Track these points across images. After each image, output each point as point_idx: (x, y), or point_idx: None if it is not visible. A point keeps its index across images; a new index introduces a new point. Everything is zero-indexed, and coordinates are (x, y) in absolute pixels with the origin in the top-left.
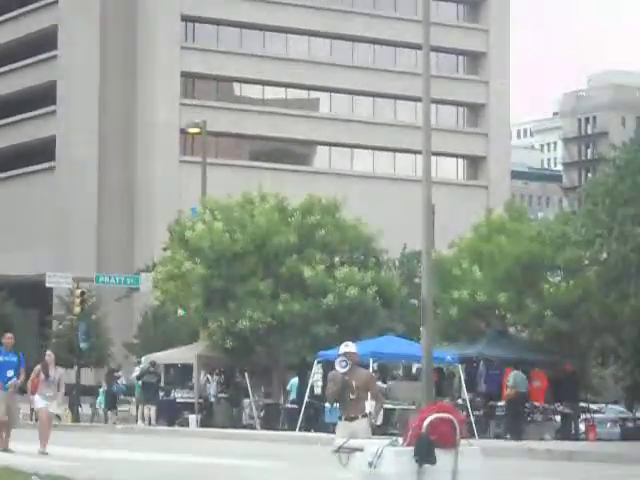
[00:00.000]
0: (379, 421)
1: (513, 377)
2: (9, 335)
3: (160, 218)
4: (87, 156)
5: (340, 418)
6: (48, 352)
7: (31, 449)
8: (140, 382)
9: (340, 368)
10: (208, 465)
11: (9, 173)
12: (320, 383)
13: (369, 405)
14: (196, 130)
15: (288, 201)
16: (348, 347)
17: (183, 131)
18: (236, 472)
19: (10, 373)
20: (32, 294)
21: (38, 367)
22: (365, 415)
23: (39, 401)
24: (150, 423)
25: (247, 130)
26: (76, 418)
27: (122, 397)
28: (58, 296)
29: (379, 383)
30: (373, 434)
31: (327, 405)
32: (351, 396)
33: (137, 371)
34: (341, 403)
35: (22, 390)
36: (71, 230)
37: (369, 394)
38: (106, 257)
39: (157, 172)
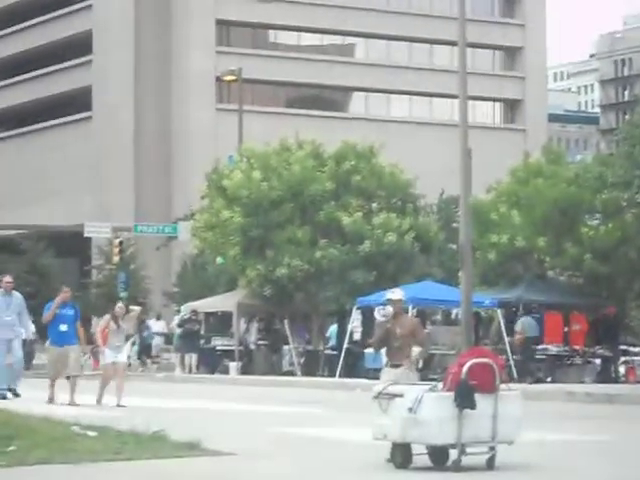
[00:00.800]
0: (419, 365)
1: (521, 323)
2: (66, 289)
3: (197, 167)
4: (123, 105)
5: (386, 364)
6: (119, 304)
7: (85, 400)
8: (180, 330)
9: (379, 317)
10: (248, 412)
11: (46, 124)
12: (359, 329)
13: (415, 351)
14: (232, 77)
15: (324, 148)
16: (394, 294)
17: (219, 79)
18: (274, 418)
19: (64, 327)
20: (71, 244)
21: (107, 317)
22: (408, 357)
23: (109, 355)
24: (191, 371)
25: (283, 77)
26: None
27: (162, 346)
28: (97, 246)
29: (517, 326)
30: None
31: (367, 351)
32: (395, 343)
33: (177, 320)
34: (386, 350)
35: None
36: (108, 180)
37: (415, 341)
38: (144, 206)
39: (193, 120)
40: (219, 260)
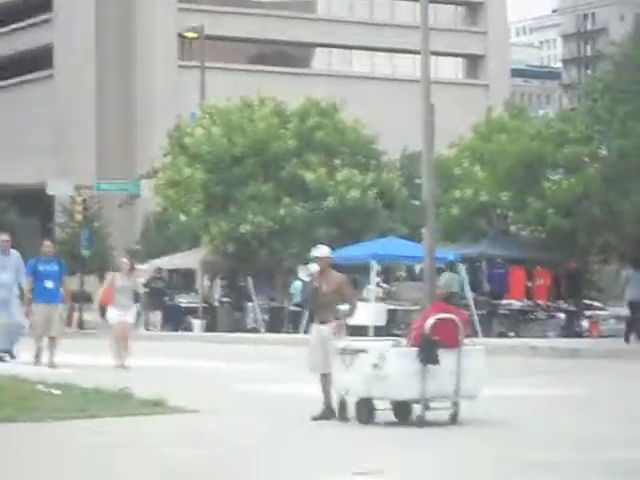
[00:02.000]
0: (353, 320)
1: (444, 278)
2: (47, 243)
3: (160, 124)
4: (85, 63)
5: (312, 321)
6: (123, 259)
7: (68, 360)
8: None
9: (303, 276)
10: (212, 369)
11: (7, 82)
12: None
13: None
14: (194, 34)
15: (287, 104)
16: (318, 251)
17: (181, 36)
18: (238, 375)
19: (49, 284)
20: (34, 202)
21: (110, 276)
22: (337, 318)
23: (113, 315)
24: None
25: (245, 34)
26: (81, 325)
27: None
28: (60, 204)
29: (383, 285)
30: (375, 335)
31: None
32: (321, 300)
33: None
34: (313, 307)
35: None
36: (71, 138)
37: (342, 298)
38: (107, 164)
39: (156, 78)
40: (182, 217)
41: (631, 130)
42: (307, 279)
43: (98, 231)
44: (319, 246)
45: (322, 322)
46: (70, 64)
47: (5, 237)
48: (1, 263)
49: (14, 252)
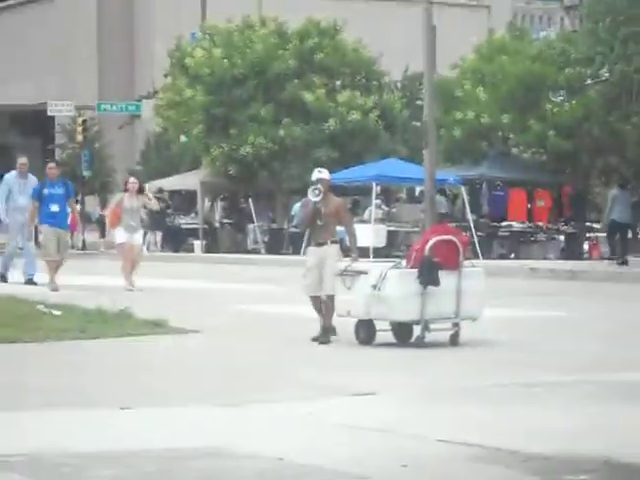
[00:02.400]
0: (355, 246)
1: (438, 200)
2: (51, 165)
3: (160, 44)
4: None
5: (310, 243)
6: (131, 179)
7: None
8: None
9: (313, 197)
10: (213, 290)
11: (10, 2)
12: None
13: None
14: None
15: (288, 25)
16: (321, 173)
17: None
18: (239, 296)
19: (55, 207)
20: (34, 124)
21: (118, 196)
22: (334, 241)
23: (121, 235)
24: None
25: None
26: (82, 246)
27: None
28: (60, 124)
29: (383, 206)
30: (375, 257)
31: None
32: (319, 222)
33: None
34: (311, 229)
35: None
36: (72, 59)
37: (339, 222)
38: (107, 86)
39: None
40: (183, 139)
41: (633, 52)
42: (316, 199)
43: (98, 152)
44: (321, 169)
45: (319, 244)
46: None
47: (23, 160)
48: (19, 187)
49: (32, 177)
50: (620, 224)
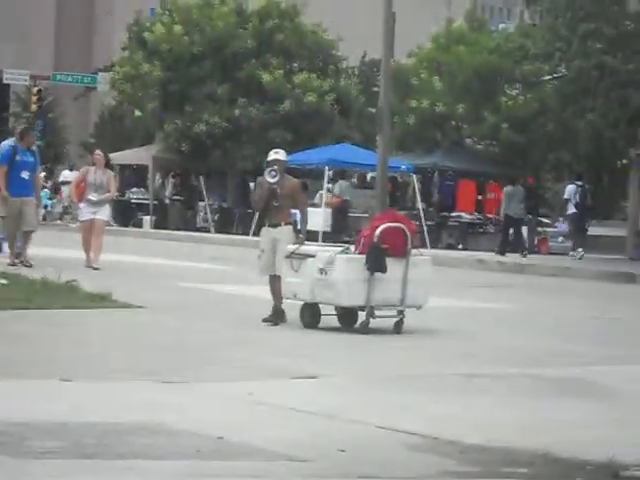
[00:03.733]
0: (304, 229)
1: (339, 186)
2: (34, 134)
3: (119, 18)
4: None
5: (264, 224)
6: (97, 152)
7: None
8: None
9: (270, 178)
10: (160, 266)
11: None
12: None
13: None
14: None
15: (247, 4)
16: (278, 154)
17: None
18: (186, 273)
19: (26, 175)
20: None
21: (84, 169)
22: (288, 223)
23: (85, 211)
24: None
25: None
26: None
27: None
28: (15, 93)
29: (334, 190)
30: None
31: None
32: (274, 203)
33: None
34: (265, 210)
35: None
36: (30, 27)
37: (294, 204)
38: (64, 56)
39: None
40: (137, 113)
41: (592, 49)
42: (273, 180)
43: (52, 122)
44: (277, 150)
45: (273, 225)
46: None
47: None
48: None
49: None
50: (515, 219)
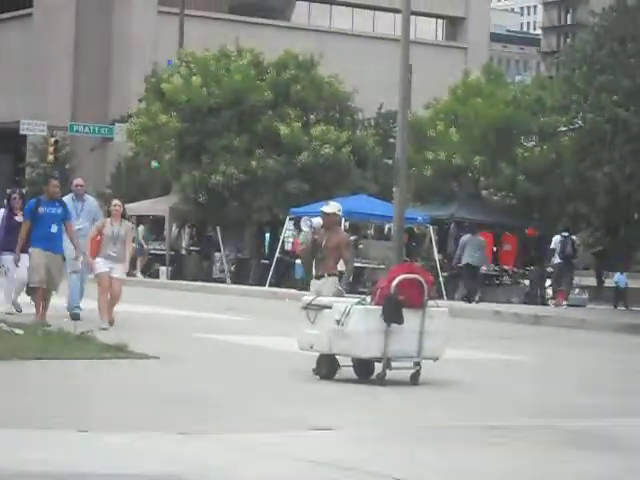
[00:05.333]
0: (345, 282)
1: (303, 235)
2: (54, 182)
3: (136, 69)
4: (64, 3)
5: (314, 276)
6: (115, 202)
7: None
8: None
9: (304, 227)
10: (177, 317)
11: None
12: (291, 240)
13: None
14: None
15: (264, 56)
16: (327, 207)
17: None
18: (202, 324)
19: (54, 228)
20: (6, 141)
21: (100, 221)
22: (332, 274)
23: (101, 265)
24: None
25: None
26: None
27: None
28: (32, 144)
29: (299, 237)
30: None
31: (298, 262)
32: (319, 255)
33: None
34: (312, 262)
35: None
36: (47, 78)
37: (341, 257)
38: (81, 107)
39: (135, 22)
40: (154, 164)
41: (605, 102)
42: (305, 229)
43: (69, 173)
44: (330, 202)
45: (318, 277)
46: (49, 4)
47: (79, 181)
48: (76, 211)
49: (90, 199)
50: (473, 267)
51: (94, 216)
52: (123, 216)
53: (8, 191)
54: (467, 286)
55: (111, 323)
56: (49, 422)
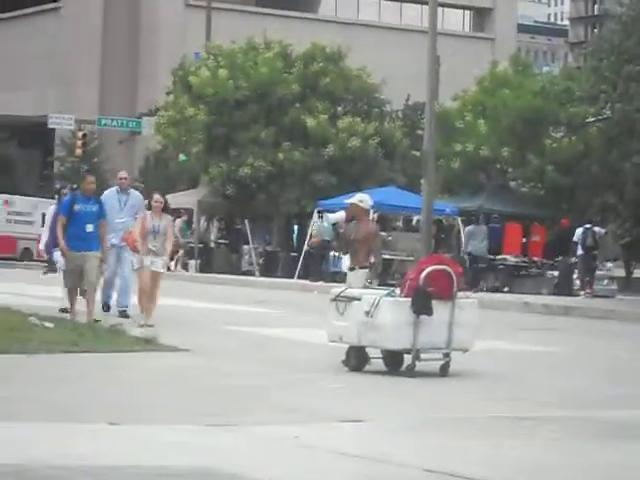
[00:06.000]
0: (375, 273)
1: (318, 227)
2: (90, 179)
3: (164, 62)
4: None
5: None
6: (156, 197)
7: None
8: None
9: (325, 222)
10: (206, 309)
11: (14, 13)
12: None
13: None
14: None
15: (292, 48)
16: (354, 199)
17: None
18: (231, 317)
19: (90, 228)
20: (34, 135)
21: (142, 215)
22: (363, 267)
23: (143, 259)
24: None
25: None
26: None
27: None
28: (60, 137)
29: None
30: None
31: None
32: (350, 248)
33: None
34: (345, 253)
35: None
36: (75, 72)
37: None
38: (109, 100)
39: (162, 15)
40: (182, 157)
41: (635, 92)
42: (325, 224)
43: (97, 167)
44: (360, 195)
45: (350, 269)
46: None
47: (123, 174)
48: (118, 204)
49: (135, 193)
50: (476, 257)
51: (137, 210)
52: (164, 210)
53: (57, 186)
54: (472, 275)
55: (150, 324)
56: (79, 415)
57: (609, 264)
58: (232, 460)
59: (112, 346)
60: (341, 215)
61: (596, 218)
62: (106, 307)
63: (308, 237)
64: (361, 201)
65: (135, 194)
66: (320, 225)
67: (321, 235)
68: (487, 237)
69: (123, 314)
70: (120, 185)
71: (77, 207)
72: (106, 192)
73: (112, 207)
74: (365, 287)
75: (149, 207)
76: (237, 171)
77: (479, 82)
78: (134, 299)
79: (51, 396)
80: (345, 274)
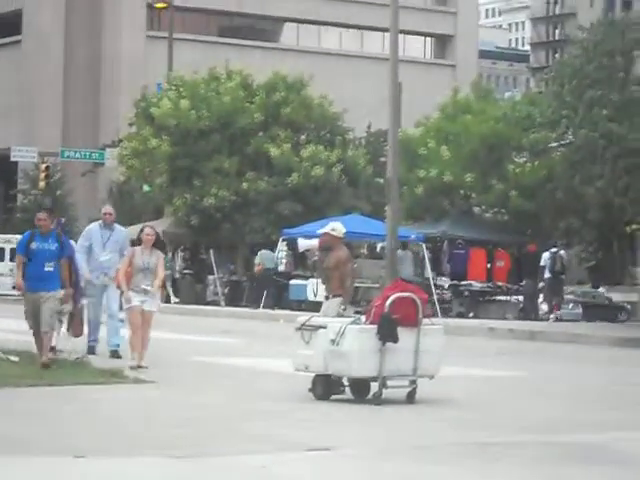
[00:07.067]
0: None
1: (260, 255)
2: (40, 215)
3: (126, 93)
4: (53, 30)
5: None
6: (147, 230)
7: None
8: None
9: (301, 248)
10: (171, 341)
11: None
12: (284, 260)
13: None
14: (163, 4)
15: (254, 78)
16: (326, 228)
17: (150, 6)
18: (197, 348)
19: (49, 267)
20: None
21: (130, 251)
22: (336, 295)
23: (133, 298)
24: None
25: (215, 5)
26: None
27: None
28: (23, 170)
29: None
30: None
31: (292, 283)
32: (323, 276)
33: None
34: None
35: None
36: (37, 105)
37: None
38: (72, 132)
39: (123, 47)
40: (145, 188)
41: (597, 116)
42: (301, 250)
43: (61, 199)
44: (332, 224)
45: (325, 297)
46: (38, 30)
47: (108, 209)
48: (101, 240)
49: (120, 228)
50: (408, 281)
51: (121, 247)
52: (155, 245)
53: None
54: None
55: (141, 365)
56: (44, 448)
57: (601, 289)
58: None
59: (78, 379)
60: (311, 243)
61: (561, 242)
62: (91, 351)
63: (274, 266)
64: (333, 229)
65: (119, 229)
66: (263, 253)
67: (264, 263)
68: (413, 261)
69: (115, 354)
70: (104, 220)
71: (34, 245)
72: (89, 226)
73: (95, 243)
74: (339, 315)
75: (135, 242)
76: (201, 201)
77: (441, 108)
78: (126, 334)
79: (16, 430)
80: (308, 302)
